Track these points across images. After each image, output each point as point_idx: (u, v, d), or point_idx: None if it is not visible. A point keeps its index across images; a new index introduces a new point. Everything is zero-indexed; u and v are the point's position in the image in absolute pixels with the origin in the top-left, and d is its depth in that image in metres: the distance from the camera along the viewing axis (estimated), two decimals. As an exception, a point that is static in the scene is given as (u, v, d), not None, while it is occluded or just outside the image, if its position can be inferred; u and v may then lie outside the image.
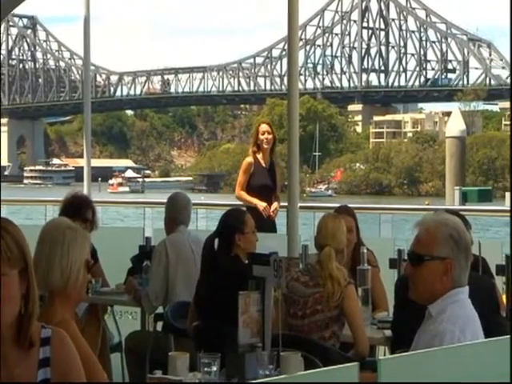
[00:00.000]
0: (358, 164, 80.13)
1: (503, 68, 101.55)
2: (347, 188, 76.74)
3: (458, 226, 2.83)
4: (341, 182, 78.69)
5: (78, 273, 2.72)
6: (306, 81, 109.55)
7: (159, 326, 5.07)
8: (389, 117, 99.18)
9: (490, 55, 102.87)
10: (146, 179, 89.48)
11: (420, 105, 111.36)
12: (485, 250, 4.54)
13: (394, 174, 75.04)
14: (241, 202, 6.94)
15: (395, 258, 5.26)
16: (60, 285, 2.70)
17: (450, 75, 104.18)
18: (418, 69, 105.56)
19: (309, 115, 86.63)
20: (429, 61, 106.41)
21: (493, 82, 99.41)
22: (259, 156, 7.03)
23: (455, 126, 18.05)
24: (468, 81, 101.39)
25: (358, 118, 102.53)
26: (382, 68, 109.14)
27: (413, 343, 2.87)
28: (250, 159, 7.02)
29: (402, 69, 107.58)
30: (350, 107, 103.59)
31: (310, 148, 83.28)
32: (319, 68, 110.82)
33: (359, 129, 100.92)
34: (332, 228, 4.22)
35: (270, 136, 7.03)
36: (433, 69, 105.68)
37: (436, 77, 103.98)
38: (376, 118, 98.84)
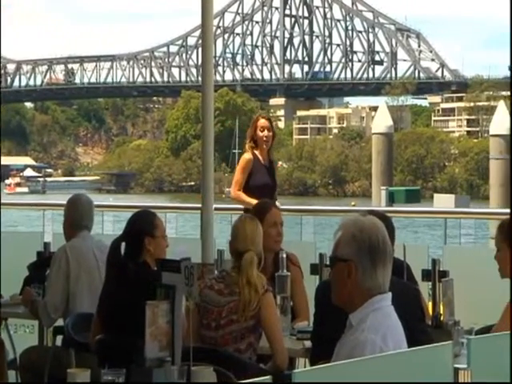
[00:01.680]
0: (280, 162, 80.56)
1: (432, 60, 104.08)
2: (269, 188, 76.98)
3: (365, 227, 2.87)
4: (262, 181, 78.90)
5: None
6: (224, 72, 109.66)
7: (59, 340, 5.00)
8: (313, 112, 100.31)
9: (419, 46, 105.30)
10: (48, 179, 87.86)
11: (346, 99, 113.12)
12: (410, 254, 4.62)
13: (318, 173, 75.94)
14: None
15: (317, 264, 5.31)
16: None
17: (377, 67, 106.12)
18: (343, 60, 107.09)
19: (227, 109, 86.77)
20: (355, 52, 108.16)
21: (422, 75, 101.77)
22: (257, 152, 6.74)
23: (382, 122, 18.38)
24: (396, 73, 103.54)
25: (281, 112, 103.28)
26: (306, 59, 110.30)
27: (334, 354, 2.91)
28: (248, 156, 6.71)
29: (327, 60, 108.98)
30: (272, 101, 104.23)
31: (229, 145, 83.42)
32: (239, 58, 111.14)
33: (281, 124, 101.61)
34: (251, 232, 4.24)
35: (270, 133, 6.73)
36: (359, 60, 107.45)
37: (363, 69, 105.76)
38: (299, 113, 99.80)
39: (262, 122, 6.71)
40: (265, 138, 6.66)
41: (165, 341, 3.22)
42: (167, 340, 3.22)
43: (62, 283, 5.07)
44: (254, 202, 6.38)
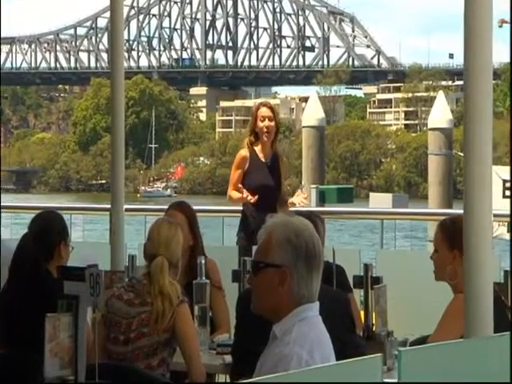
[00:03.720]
0: (202, 158, 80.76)
1: (368, 47, 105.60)
2: (189, 187, 77.17)
3: (300, 230, 2.88)
4: (182, 179, 79.01)
5: None
6: (139, 57, 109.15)
7: None
8: (238, 102, 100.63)
9: (353, 31, 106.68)
10: None
11: (274, 88, 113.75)
12: (341, 258, 4.67)
13: (244, 169, 76.18)
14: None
15: (239, 270, 5.33)
16: None
17: (308, 54, 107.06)
18: (271, 46, 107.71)
19: (143, 99, 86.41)
20: (284, 37, 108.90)
21: (356, 63, 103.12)
22: (257, 148, 6.42)
23: (312, 114, 18.54)
24: (328, 61, 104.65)
25: (202, 103, 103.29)
26: (230, 44, 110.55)
27: (256, 369, 2.93)
28: (244, 152, 6.44)
29: (253, 46, 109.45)
30: (193, 90, 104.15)
31: (145, 139, 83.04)
32: (155, 42, 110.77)
33: (203, 116, 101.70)
34: (166, 236, 4.23)
35: (272, 123, 6.40)
36: (288, 46, 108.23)
37: (292, 55, 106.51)
38: (223, 104, 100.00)
39: (264, 110, 6.42)
40: (265, 129, 6.38)
41: (67, 357, 3.19)
42: (69, 357, 3.19)
43: None
44: (248, 197, 6.25)
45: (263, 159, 6.46)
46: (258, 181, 6.41)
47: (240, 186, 6.41)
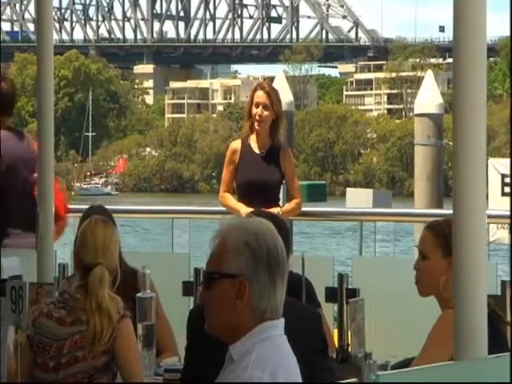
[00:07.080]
0: (148, 149, 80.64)
1: (344, 18, 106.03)
2: (134, 183, 77.03)
3: (260, 232, 2.87)
4: (124, 174, 78.83)
5: None
6: (73, 29, 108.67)
7: None
8: (191, 83, 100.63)
9: (327, 0, 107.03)
10: None
11: (234, 67, 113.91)
12: (311, 267, 4.70)
13: (198, 163, 76.28)
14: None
15: (191, 281, 5.36)
16: None
17: (273, 26, 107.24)
18: (230, 16, 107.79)
19: (78, 79, 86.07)
20: (245, 5, 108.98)
21: (331, 37, 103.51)
22: (252, 137, 6.34)
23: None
24: (298, 34, 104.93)
25: (148, 83, 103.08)
26: (182, 14, 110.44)
27: (209, 398, 2.94)
28: (235, 144, 6.39)
29: (208, 16, 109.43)
30: (137, 68, 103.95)
31: (80, 126, 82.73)
32: (92, 11, 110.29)
33: (150, 99, 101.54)
34: (103, 238, 4.23)
35: (267, 113, 6.28)
36: (251, 17, 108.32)
37: (256, 27, 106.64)
38: (173, 85, 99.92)
39: (259, 95, 6.33)
40: (258, 117, 6.28)
41: (-16, 386, 3.18)
42: (-13, 385, 3.18)
43: None
44: (240, 206, 6.14)
45: (257, 150, 6.36)
46: (247, 177, 6.33)
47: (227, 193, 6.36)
